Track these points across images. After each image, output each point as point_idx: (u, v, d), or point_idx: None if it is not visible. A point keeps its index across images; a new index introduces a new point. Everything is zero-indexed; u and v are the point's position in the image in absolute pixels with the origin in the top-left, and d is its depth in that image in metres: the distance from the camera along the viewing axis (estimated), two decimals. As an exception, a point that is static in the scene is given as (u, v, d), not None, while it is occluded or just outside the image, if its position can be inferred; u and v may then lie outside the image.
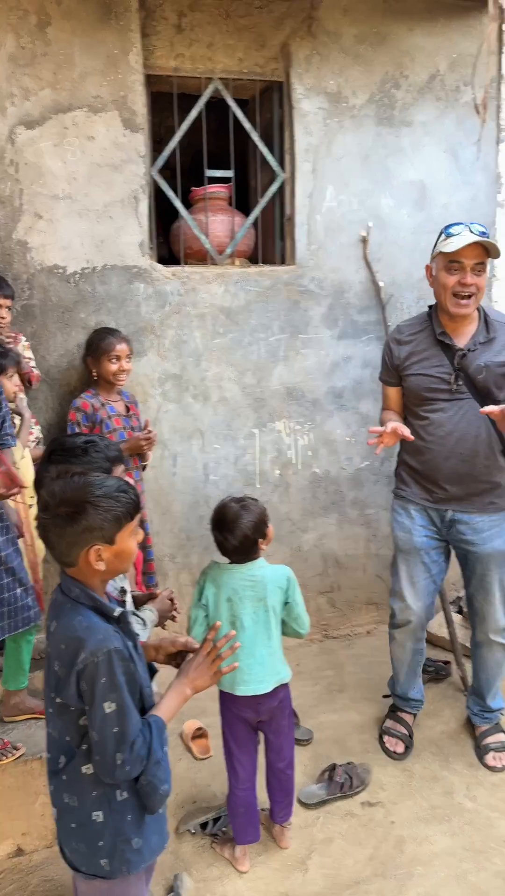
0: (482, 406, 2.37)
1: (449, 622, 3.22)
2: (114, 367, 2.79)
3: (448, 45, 3.36)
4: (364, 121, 3.32)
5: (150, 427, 2.83)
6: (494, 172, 3.54)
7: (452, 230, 2.36)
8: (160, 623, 1.91)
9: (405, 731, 2.76)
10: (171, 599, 1.88)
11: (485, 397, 2.42)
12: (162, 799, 1.44)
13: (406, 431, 2.36)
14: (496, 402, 2.41)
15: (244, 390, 3.32)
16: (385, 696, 2.95)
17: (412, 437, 2.39)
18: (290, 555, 3.50)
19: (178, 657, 1.68)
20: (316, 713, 2.96)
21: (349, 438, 3.52)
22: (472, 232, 2.33)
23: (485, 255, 2.33)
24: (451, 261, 2.34)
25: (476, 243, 2.31)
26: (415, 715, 2.83)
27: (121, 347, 2.79)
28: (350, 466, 3.55)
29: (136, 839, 1.45)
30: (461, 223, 2.37)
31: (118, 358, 2.79)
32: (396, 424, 2.36)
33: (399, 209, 3.43)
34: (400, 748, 2.71)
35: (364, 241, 3.38)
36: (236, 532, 2.04)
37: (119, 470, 1.87)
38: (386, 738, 2.74)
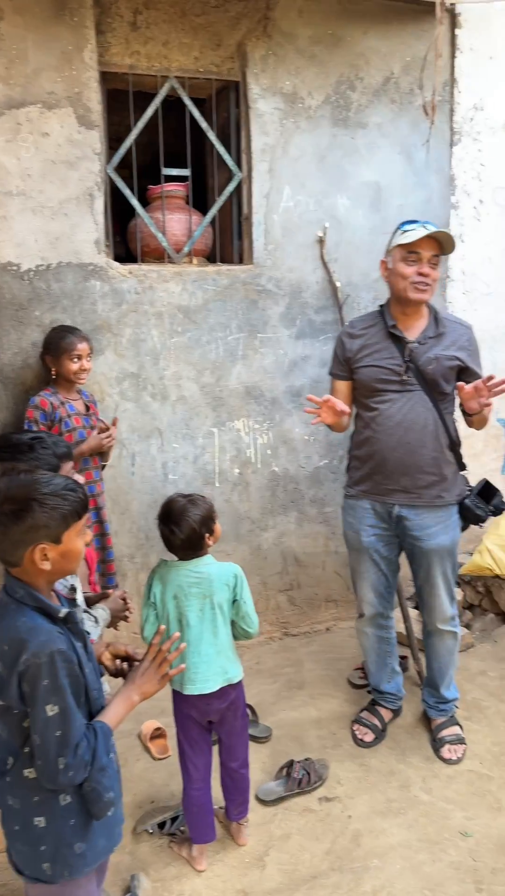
0: (431, 397, 2.46)
1: (405, 618, 3.25)
2: (75, 365, 2.75)
3: (402, 49, 3.40)
4: (320, 122, 3.33)
5: (114, 426, 2.81)
6: (447, 174, 3.59)
7: (407, 226, 2.45)
8: (113, 623, 1.89)
9: (378, 724, 2.79)
10: (124, 599, 1.86)
11: (433, 389, 2.49)
12: (107, 806, 1.41)
13: (343, 406, 2.43)
14: (443, 394, 2.50)
15: (203, 389, 3.31)
16: (368, 691, 2.99)
17: (347, 410, 2.47)
18: (249, 553, 3.50)
19: (124, 662, 1.66)
20: (275, 710, 2.97)
21: (308, 437, 3.54)
22: (426, 228, 2.42)
23: (439, 249, 2.42)
24: (409, 251, 2.42)
25: (431, 239, 2.40)
26: (394, 712, 2.85)
27: (82, 346, 2.76)
28: (309, 465, 3.56)
29: (79, 844, 1.43)
30: (416, 220, 2.45)
31: (79, 357, 2.76)
32: (330, 397, 2.41)
33: (355, 210, 3.45)
34: (369, 737, 2.74)
35: (321, 241, 3.40)
36: (183, 526, 2.03)
37: (67, 467, 1.85)
38: (356, 727, 2.79)
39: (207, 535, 2.07)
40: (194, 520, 2.03)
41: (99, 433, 2.82)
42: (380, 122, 3.43)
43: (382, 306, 2.61)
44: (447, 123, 3.54)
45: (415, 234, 2.40)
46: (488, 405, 2.32)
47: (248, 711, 2.85)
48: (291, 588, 3.62)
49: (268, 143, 3.27)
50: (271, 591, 3.58)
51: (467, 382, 2.45)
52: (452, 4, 3.40)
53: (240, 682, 2.17)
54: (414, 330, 2.53)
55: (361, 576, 2.72)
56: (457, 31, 3.48)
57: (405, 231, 2.45)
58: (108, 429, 2.84)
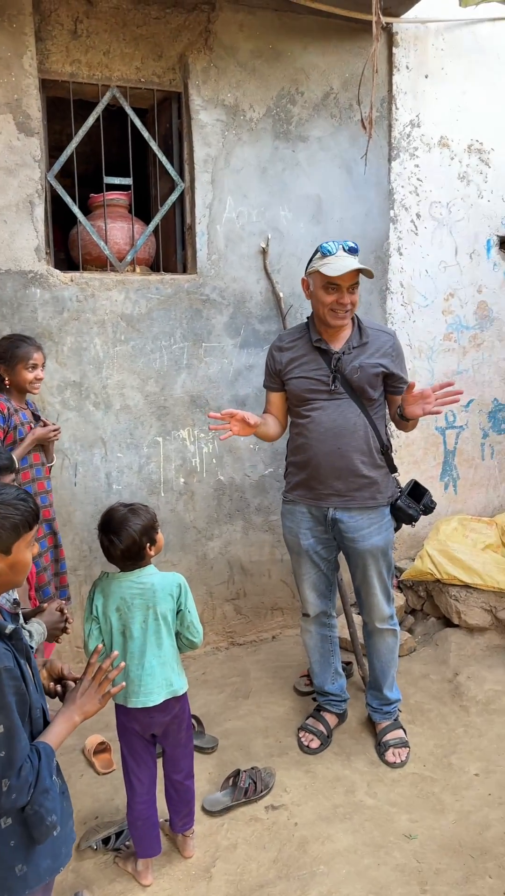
0: (358, 403, 2.52)
1: (349, 623, 3.28)
2: (30, 375, 2.69)
3: (341, 65, 3.46)
4: (262, 134, 3.36)
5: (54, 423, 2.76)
6: (386, 188, 3.66)
7: (327, 249, 2.46)
8: (52, 637, 1.84)
9: (323, 730, 2.80)
10: (61, 611, 1.81)
11: (361, 396, 2.55)
12: (49, 830, 1.38)
13: (254, 418, 2.45)
14: (371, 400, 2.56)
15: (147, 398, 3.29)
16: (313, 698, 2.99)
17: (259, 420, 2.50)
18: (196, 563, 3.49)
19: (58, 685, 1.61)
20: (221, 720, 2.95)
21: (253, 446, 3.55)
22: (346, 251, 2.44)
23: (357, 275, 2.46)
24: (328, 282, 2.45)
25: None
26: (339, 717, 2.88)
27: (38, 355, 2.70)
28: (254, 473, 3.57)
29: (20, 866, 1.39)
30: (334, 243, 2.47)
31: (35, 366, 2.70)
32: (235, 410, 2.45)
33: (297, 222, 3.49)
34: (315, 744, 2.76)
35: (264, 252, 3.43)
36: (123, 536, 2.00)
37: (7, 479, 1.81)
38: (302, 734, 2.80)
39: (149, 545, 2.05)
40: (135, 530, 2.00)
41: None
42: (320, 136, 3.48)
43: (308, 318, 2.65)
44: (385, 139, 3.62)
45: (337, 266, 2.41)
46: (437, 412, 2.38)
47: (194, 722, 2.83)
48: (237, 597, 3.62)
49: (210, 154, 3.28)
50: (217, 600, 3.56)
51: (394, 388, 2.52)
52: (387, 24, 3.49)
53: (184, 695, 2.14)
54: (339, 341, 2.58)
55: (302, 577, 2.75)
56: (394, 50, 3.56)
57: (325, 256, 2.46)
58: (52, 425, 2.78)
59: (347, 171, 3.55)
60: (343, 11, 3.24)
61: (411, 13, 3.49)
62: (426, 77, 3.65)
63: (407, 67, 3.60)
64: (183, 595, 2.06)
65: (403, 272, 3.76)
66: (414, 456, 3.92)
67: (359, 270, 2.43)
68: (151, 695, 2.06)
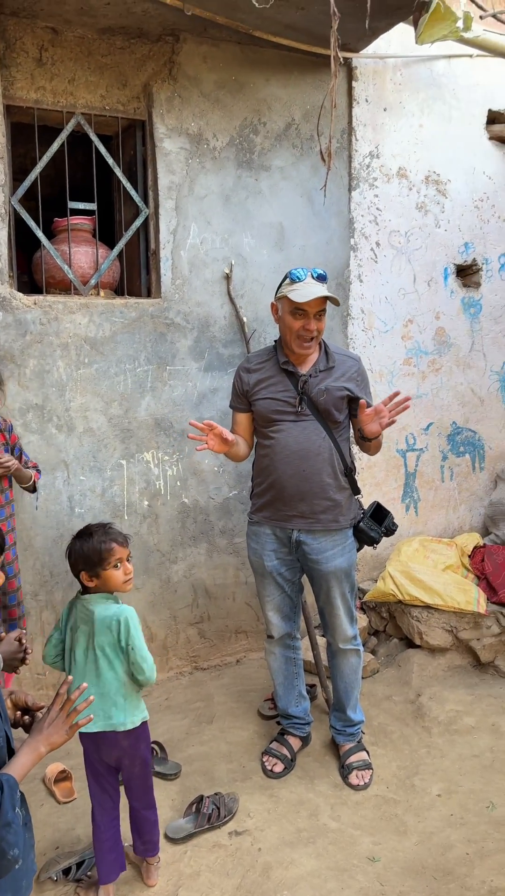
0: (324, 426, 2.55)
1: (313, 645, 3.28)
2: None
3: (302, 97, 3.54)
4: (225, 163, 3.41)
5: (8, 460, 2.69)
6: (346, 217, 3.73)
7: (297, 275, 2.51)
8: (10, 668, 1.80)
9: (287, 754, 2.80)
10: (20, 641, 1.78)
11: (326, 418, 2.58)
12: (10, 864, 1.34)
13: (229, 434, 2.49)
14: (336, 423, 2.59)
15: (111, 421, 3.28)
16: (277, 722, 2.98)
17: (233, 438, 2.53)
18: (159, 586, 3.46)
19: (25, 716, 1.59)
20: (185, 746, 2.92)
21: (217, 468, 3.55)
22: (314, 278, 2.49)
23: (324, 302, 2.51)
24: (296, 308, 2.49)
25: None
26: (303, 740, 2.87)
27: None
28: (218, 496, 3.57)
29: None
30: (303, 270, 2.52)
31: None
32: (215, 424, 2.49)
33: (260, 249, 3.53)
34: (278, 768, 2.74)
35: (227, 277, 3.46)
36: (68, 553, 2.00)
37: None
38: (266, 758, 2.79)
39: (86, 574, 2.01)
40: (72, 552, 2.00)
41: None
42: (282, 166, 3.54)
43: (276, 342, 2.69)
44: (346, 169, 3.69)
45: (305, 292, 2.46)
46: (392, 422, 2.42)
47: (157, 748, 2.80)
48: (201, 621, 3.60)
49: (174, 182, 3.31)
50: (181, 624, 3.54)
51: (358, 411, 2.55)
52: (346, 59, 3.59)
53: (136, 731, 2.09)
54: (306, 364, 2.62)
55: (266, 599, 2.76)
56: (354, 83, 3.65)
57: (294, 282, 2.50)
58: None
59: (308, 199, 3.62)
60: (304, 46, 3.33)
61: (370, 49, 3.59)
62: (385, 110, 3.75)
63: (366, 100, 3.69)
64: (125, 631, 2.01)
65: (364, 298, 3.83)
66: (376, 478, 3.96)
67: (326, 298, 2.47)
68: (90, 723, 2.01)
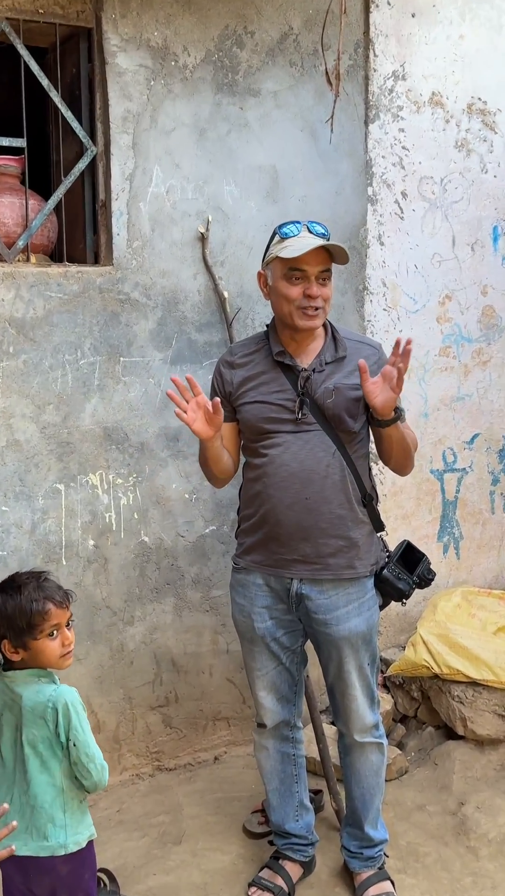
0: (334, 438, 2.57)
1: (319, 737, 3.27)
2: None
3: (303, -1, 3.57)
4: (199, 85, 3.43)
5: None
6: (362, 159, 3.75)
7: (287, 230, 2.56)
8: None
9: (283, 886, 2.78)
10: None
11: (336, 427, 2.60)
12: None
13: (217, 416, 2.51)
14: (349, 433, 2.60)
15: (44, 431, 3.28)
16: (270, 841, 2.98)
17: (220, 419, 2.54)
18: (109, 656, 3.45)
19: None
20: (143, 875, 2.89)
21: (189, 495, 3.54)
22: (312, 233, 2.53)
23: (329, 260, 2.54)
24: (291, 269, 2.52)
25: (320, 249, 2.50)
26: (304, 866, 2.87)
27: None
28: (191, 533, 3.57)
29: None
30: (296, 222, 2.56)
31: None
32: (197, 385, 2.53)
33: (246, 201, 3.53)
34: None
35: (203, 238, 3.47)
36: None
37: None
38: (253, 891, 2.77)
39: (10, 643, 2.02)
40: None
41: None
42: (276, 90, 3.55)
43: (268, 326, 2.73)
44: (361, 95, 3.72)
45: (297, 245, 2.49)
46: (403, 369, 2.43)
47: (104, 878, 2.75)
48: (166, 703, 3.58)
49: (131, 110, 3.32)
50: (139, 708, 3.52)
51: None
52: None
53: (80, 853, 2.08)
54: (307, 355, 2.65)
55: (257, 673, 2.77)
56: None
57: (285, 238, 2.55)
58: None
59: (311, 135, 3.63)
60: None
61: None
62: (413, 16, 3.76)
63: (388, 3, 3.71)
64: (63, 721, 2.00)
65: (386, 267, 3.83)
66: (404, 508, 3.95)
67: (329, 255, 2.50)
68: (14, 840, 1.96)
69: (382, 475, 3.74)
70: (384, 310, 3.85)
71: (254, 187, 3.55)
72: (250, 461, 2.71)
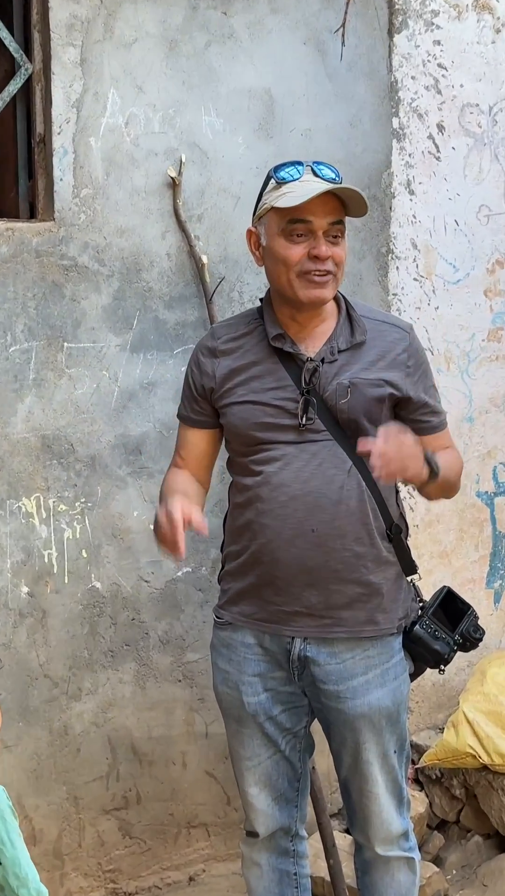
0: (349, 450, 2.58)
1: (329, 849, 3.23)
2: None
3: None
4: (170, -18, 3.39)
5: None
6: (385, 81, 3.71)
7: (285, 173, 2.52)
8: None
9: None
10: None
11: (353, 436, 2.54)
12: None
13: (201, 522, 2.52)
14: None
15: (-40, 441, 3.25)
16: None
17: (205, 531, 2.55)
18: (48, 742, 3.40)
19: None
20: None
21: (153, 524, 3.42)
22: (318, 176, 2.50)
23: (342, 210, 2.51)
24: (292, 221, 2.47)
25: (329, 195, 2.48)
26: None
27: None
28: (158, 577, 3.53)
29: None
30: (297, 163, 2.53)
31: None
32: (181, 505, 2.48)
33: (232, 135, 3.49)
34: None
35: (174, 185, 3.42)
36: None
37: None
38: None
39: None
40: None
41: None
42: (271, -10, 3.53)
43: (262, 301, 2.71)
44: (385, -4, 3.71)
45: (299, 192, 2.45)
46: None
47: None
48: (124, 805, 3.53)
49: (78, 16, 3.25)
50: (88, 812, 3.46)
51: (415, 422, 2.61)
52: None
53: None
54: (314, 340, 2.62)
55: (246, 764, 2.77)
56: None
57: (282, 183, 2.51)
58: None
59: (317, 49, 3.59)
60: None
61: None
62: None
63: None
64: None
65: (417, 224, 3.80)
66: (442, 543, 3.92)
67: (342, 204, 2.49)
68: None
69: (413, 499, 3.72)
70: (415, 280, 3.83)
71: (242, 118, 3.52)
72: (239, 481, 2.68)
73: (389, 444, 2.39)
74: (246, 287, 3.53)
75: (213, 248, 3.48)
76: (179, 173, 3.41)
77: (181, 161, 3.41)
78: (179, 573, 3.54)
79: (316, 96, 3.59)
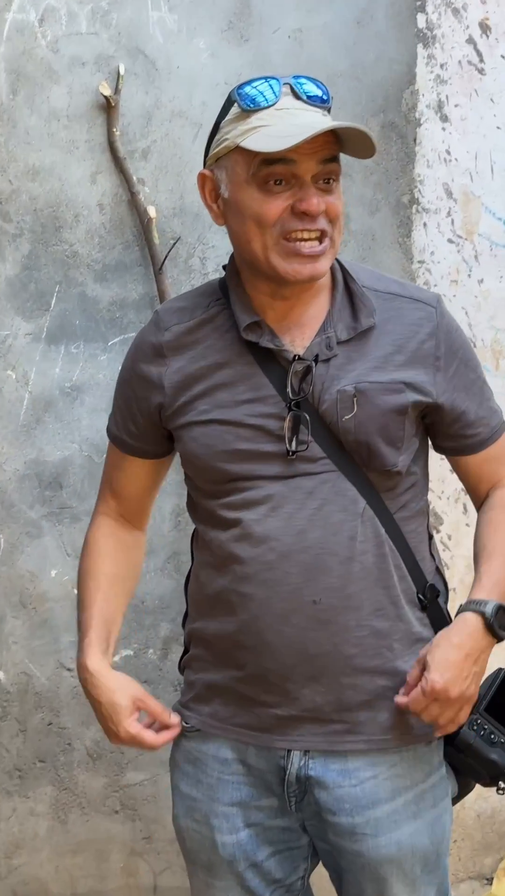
0: (361, 484, 2.56)
1: None
2: None
3: None
4: None
5: None
6: None
7: (252, 93, 2.43)
8: None
9: None
10: None
11: (365, 463, 2.55)
12: None
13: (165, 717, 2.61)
14: (390, 475, 2.58)
15: None
16: None
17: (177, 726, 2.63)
18: None
19: None
20: None
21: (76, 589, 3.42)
22: (300, 97, 2.44)
23: (336, 146, 2.44)
24: (267, 162, 2.40)
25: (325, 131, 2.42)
26: None
27: None
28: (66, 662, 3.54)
29: None
30: (269, 78, 2.45)
31: None
32: (131, 715, 2.57)
33: (191, 37, 3.57)
34: None
35: (109, 106, 3.47)
36: None
37: None
38: None
39: None
40: None
41: None
42: None
43: (226, 269, 2.67)
44: None
45: (279, 129, 2.39)
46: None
47: None
48: None
49: None
50: None
51: (451, 437, 2.63)
52: None
53: None
54: (302, 329, 2.57)
55: None
56: None
57: (252, 112, 2.42)
58: None
59: None
60: None
61: None
62: None
63: None
64: None
65: (453, 163, 3.87)
66: None
67: (336, 141, 2.42)
68: None
69: (452, 548, 3.80)
70: (450, 241, 3.88)
71: (204, 13, 3.57)
72: (207, 533, 2.63)
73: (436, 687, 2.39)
74: (211, 251, 3.56)
75: (163, 197, 3.52)
76: (116, 91, 3.43)
77: (119, 73, 3.44)
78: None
79: (307, -19, 3.54)
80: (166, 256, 3.49)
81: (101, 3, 3.46)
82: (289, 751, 2.56)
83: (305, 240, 2.42)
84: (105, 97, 3.42)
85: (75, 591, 3.33)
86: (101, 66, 3.45)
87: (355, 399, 2.50)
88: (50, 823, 3.55)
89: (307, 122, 2.36)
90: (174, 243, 3.51)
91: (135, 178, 3.47)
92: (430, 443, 2.70)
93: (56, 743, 3.54)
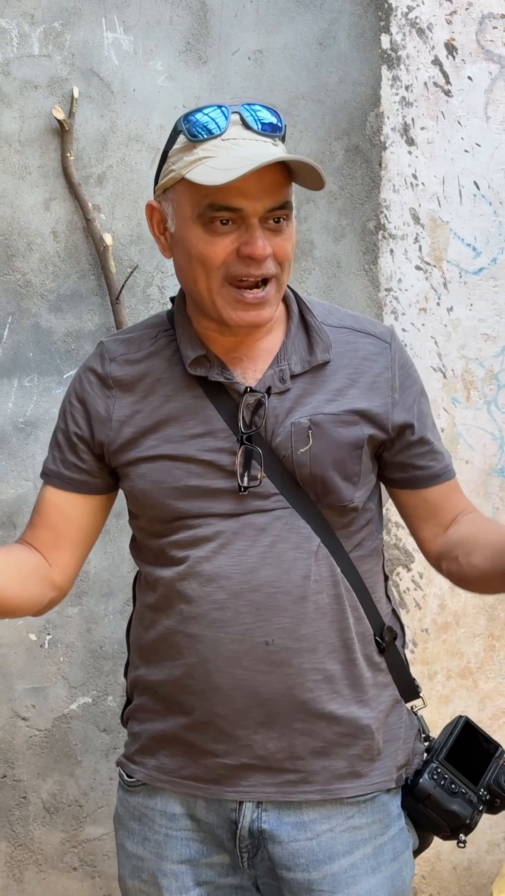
0: (315, 522, 2.57)
1: None
2: None
3: None
4: None
5: None
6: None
7: (201, 121, 2.42)
8: None
9: None
10: None
11: (321, 499, 2.56)
12: None
13: None
14: (346, 511, 2.57)
15: None
16: None
17: None
18: None
19: None
20: None
21: (36, 635, 3.50)
22: (248, 126, 2.42)
23: (287, 181, 2.44)
24: (213, 207, 2.40)
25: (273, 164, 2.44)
26: None
27: None
28: (41, 711, 3.60)
29: None
30: (219, 106, 2.44)
31: None
32: None
33: (147, 59, 3.64)
34: None
35: (63, 131, 3.52)
36: None
37: None
38: None
39: None
40: None
41: None
42: None
43: (174, 301, 2.68)
44: None
45: (227, 160, 2.37)
46: None
47: None
48: None
49: None
50: None
51: (406, 468, 2.62)
52: None
53: None
54: (254, 361, 2.57)
55: None
56: None
57: (200, 142, 2.41)
58: None
59: None
60: None
61: None
62: None
63: None
64: None
65: (420, 187, 3.89)
66: (462, 656, 3.96)
67: (288, 172, 2.43)
68: None
69: (421, 591, 3.84)
70: (418, 268, 3.91)
71: (161, 33, 3.63)
72: (151, 573, 2.61)
73: None
74: (170, 280, 3.57)
75: (120, 224, 3.58)
76: (70, 115, 3.49)
77: (73, 97, 3.50)
78: (74, 705, 3.51)
79: (270, 2, 3.68)
80: (123, 285, 3.53)
81: (53, 24, 3.51)
82: (241, 803, 2.55)
83: (249, 287, 2.43)
84: (59, 121, 3.47)
85: (31, 637, 3.39)
86: (54, 89, 3.51)
87: (311, 431, 2.51)
88: (4, 882, 3.57)
89: (253, 154, 2.35)
90: (131, 272, 3.55)
91: (90, 204, 3.52)
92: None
93: (10, 796, 3.56)
